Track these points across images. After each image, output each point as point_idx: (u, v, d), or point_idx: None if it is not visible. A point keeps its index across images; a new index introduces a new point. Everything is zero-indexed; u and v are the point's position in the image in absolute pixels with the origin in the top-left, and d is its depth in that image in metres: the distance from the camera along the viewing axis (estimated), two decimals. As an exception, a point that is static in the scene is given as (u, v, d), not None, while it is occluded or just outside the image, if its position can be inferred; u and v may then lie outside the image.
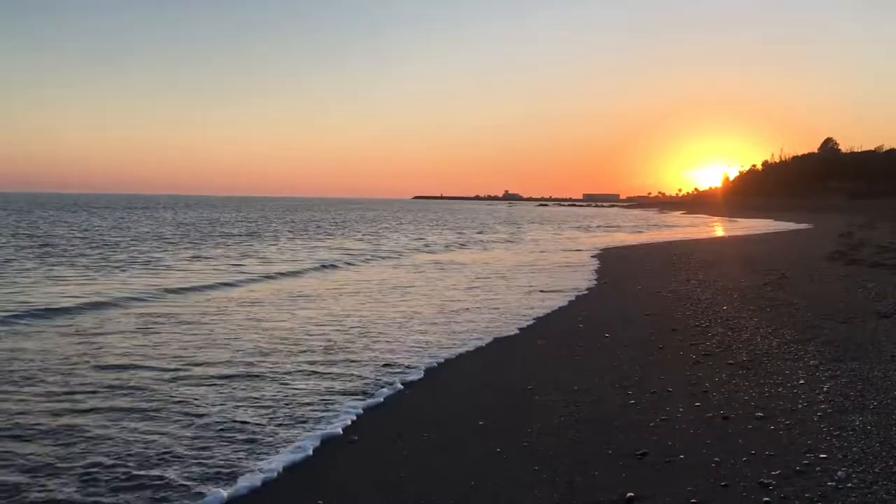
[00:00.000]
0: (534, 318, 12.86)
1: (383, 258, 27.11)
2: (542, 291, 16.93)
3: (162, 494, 5.37)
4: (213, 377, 8.67)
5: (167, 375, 8.73)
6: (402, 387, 8.34)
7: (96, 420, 7.07)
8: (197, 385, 8.34)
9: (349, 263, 24.48)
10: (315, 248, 31.45)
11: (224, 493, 5.36)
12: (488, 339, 11.05)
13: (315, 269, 22.38)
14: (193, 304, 14.64)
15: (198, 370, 9.03)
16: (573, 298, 15.57)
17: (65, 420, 7.05)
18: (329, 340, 10.87)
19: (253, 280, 18.97)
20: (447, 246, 34.40)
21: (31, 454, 6.16)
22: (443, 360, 9.66)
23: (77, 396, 7.85)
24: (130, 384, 8.34)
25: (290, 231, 46.31)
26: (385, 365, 9.32)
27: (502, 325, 12.30)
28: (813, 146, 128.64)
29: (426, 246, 34.05)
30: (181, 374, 8.83)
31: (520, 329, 11.97)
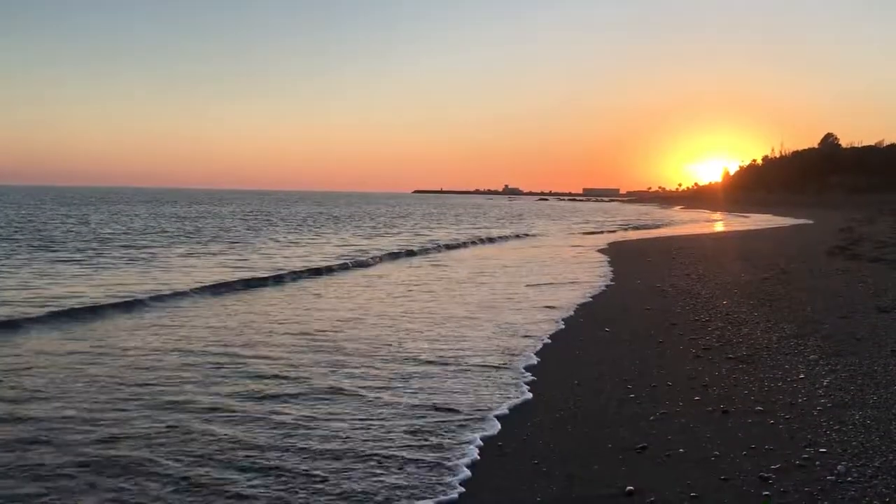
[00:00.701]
0: (562, 319, 12.36)
1: (406, 255, 26.52)
2: (551, 284, 16.95)
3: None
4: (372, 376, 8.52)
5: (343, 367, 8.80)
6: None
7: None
8: (373, 377, 8.45)
9: (379, 258, 24.30)
10: (341, 243, 31.27)
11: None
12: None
13: (352, 263, 22.38)
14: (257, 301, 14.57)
15: (347, 362, 9.15)
16: (584, 293, 15.53)
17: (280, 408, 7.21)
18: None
19: (299, 275, 18.82)
20: (461, 242, 33.46)
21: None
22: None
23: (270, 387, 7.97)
24: (299, 374, 8.49)
25: (290, 225, 46.21)
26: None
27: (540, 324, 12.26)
28: (813, 141, 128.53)
29: (435, 242, 33.21)
30: (347, 366, 8.93)
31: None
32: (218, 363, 9.00)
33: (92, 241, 29.02)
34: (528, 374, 8.56)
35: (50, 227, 36.73)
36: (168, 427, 6.58)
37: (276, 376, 8.42)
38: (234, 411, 7.07)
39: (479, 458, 5.92)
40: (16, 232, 32.77)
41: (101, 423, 6.69)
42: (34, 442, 6.19)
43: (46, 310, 12.34)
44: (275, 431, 6.50)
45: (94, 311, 12.57)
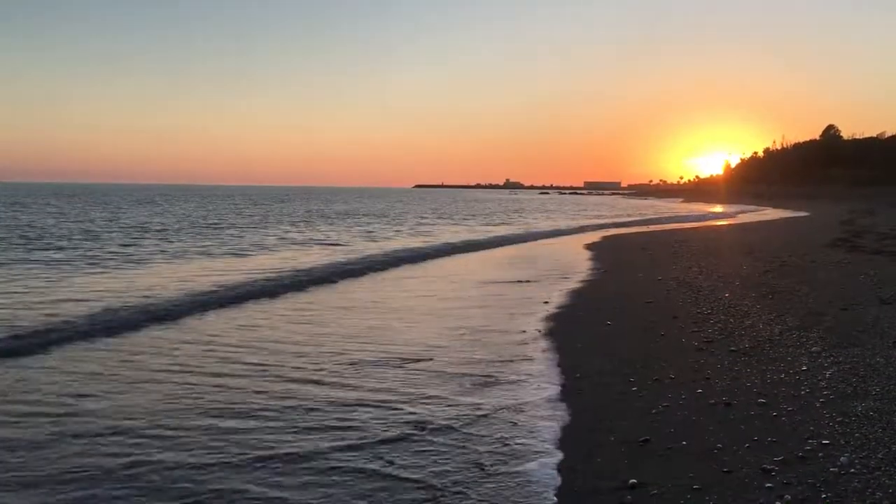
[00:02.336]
0: (563, 314, 12.60)
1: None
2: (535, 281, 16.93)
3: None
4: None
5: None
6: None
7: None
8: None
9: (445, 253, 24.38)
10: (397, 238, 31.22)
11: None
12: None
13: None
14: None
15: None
16: (585, 287, 15.52)
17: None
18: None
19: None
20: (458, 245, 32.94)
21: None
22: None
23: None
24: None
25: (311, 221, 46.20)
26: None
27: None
28: (815, 133, 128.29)
29: (448, 243, 32.49)
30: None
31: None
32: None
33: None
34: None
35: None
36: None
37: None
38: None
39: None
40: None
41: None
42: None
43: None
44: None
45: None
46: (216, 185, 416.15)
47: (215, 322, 11.60)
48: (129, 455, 5.77)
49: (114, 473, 5.43)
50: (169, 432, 6.30)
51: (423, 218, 53.08)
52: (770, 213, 55.42)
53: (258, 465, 5.58)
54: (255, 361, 8.83)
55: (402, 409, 6.95)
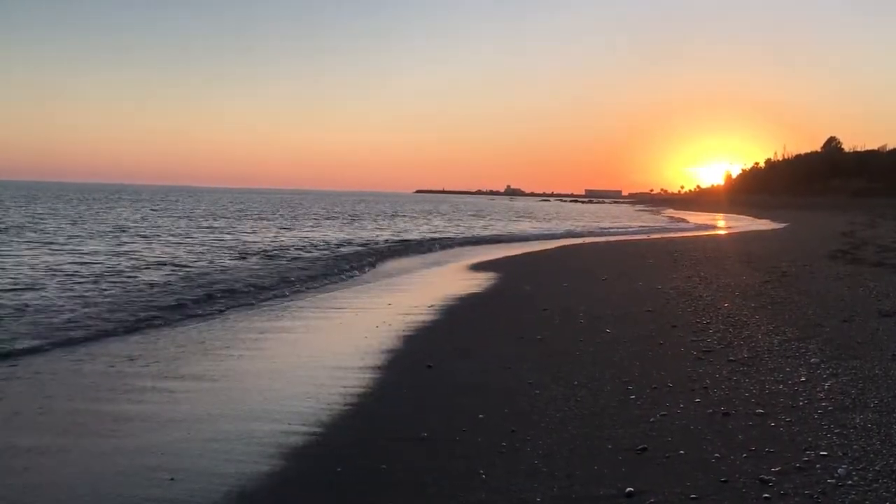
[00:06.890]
0: (562, 321, 12.69)
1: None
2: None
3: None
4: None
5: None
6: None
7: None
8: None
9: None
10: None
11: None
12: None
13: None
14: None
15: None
16: (586, 295, 15.52)
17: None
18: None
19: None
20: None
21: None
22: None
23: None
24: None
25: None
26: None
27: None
28: (816, 145, 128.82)
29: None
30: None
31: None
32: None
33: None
34: (530, 370, 8.54)
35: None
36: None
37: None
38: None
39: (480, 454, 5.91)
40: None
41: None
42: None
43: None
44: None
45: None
46: (218, 188, 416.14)
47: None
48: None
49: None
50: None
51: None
52: (768, 224, 55.33)
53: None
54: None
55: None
